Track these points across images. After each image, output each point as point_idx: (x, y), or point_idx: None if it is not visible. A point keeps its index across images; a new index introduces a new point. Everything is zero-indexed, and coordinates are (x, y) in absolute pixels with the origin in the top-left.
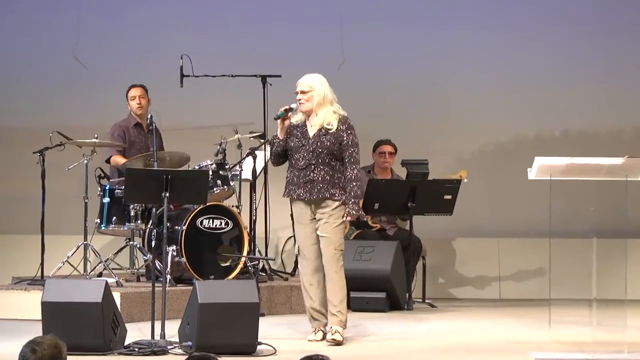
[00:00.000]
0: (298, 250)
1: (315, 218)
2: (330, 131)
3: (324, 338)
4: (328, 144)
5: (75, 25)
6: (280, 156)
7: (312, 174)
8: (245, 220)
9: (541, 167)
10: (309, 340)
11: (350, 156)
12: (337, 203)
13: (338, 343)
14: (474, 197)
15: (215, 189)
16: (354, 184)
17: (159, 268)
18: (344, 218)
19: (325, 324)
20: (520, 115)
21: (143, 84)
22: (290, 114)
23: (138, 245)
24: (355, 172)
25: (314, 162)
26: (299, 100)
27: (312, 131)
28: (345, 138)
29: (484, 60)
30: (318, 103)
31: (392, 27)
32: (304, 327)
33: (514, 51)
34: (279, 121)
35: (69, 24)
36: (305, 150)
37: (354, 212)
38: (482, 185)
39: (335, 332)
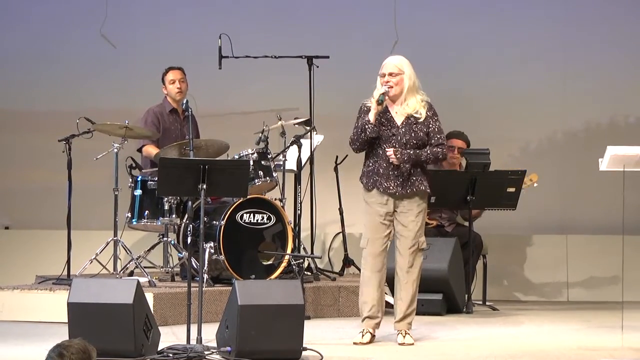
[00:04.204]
0: (365, 243)
1: (396, 212)
2: (420, 120)
3: (371, 341)
4: (421, 134)
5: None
6: (370, 143)
7: (404, 166)
8: (289, 214)
9: (614, 157)
10: (354, 344)
11: (438, 140)
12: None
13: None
14: (540, 190)
15: (256, 180)
16: (437, 149)
17: (195, 267)
18: (388, 153)
19: (377, 325)
20: (591, 101)
21: (181, 67)
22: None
23: (172, 242)
24: (443, 149)
25: None
26: (387, 83)
27: (398, 119)
28: (432, 125)
29: (553, 39)
30: (409, 89)
31: (451, 2)
32: (352, 332)
33: (585, 30)
34: (374, 106)
35: None
36: (396, 140)
37: (402, 157)
38: (549, 177)
39: (406, 334)
